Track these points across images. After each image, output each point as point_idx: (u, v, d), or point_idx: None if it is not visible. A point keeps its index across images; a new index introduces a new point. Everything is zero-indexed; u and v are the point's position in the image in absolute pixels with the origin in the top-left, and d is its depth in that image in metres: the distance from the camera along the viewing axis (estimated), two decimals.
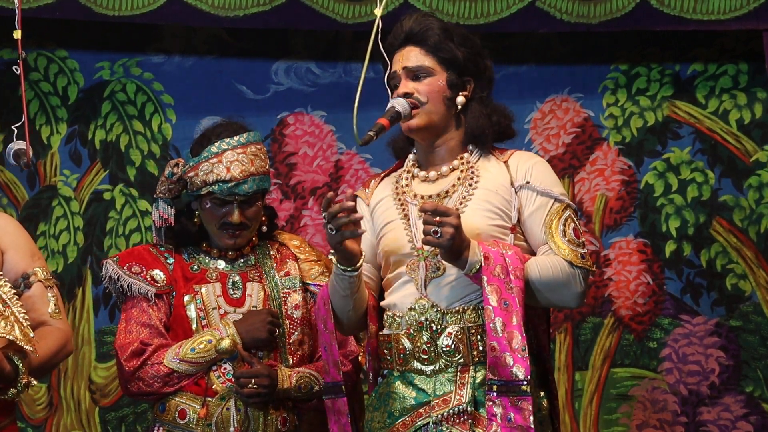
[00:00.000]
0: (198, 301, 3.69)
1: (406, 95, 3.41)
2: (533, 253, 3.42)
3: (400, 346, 3.38)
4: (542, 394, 3.41)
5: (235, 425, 3.61)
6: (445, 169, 3.47)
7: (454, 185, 3.43)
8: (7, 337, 3.16)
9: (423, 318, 3.36)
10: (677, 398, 4.77)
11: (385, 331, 3.44)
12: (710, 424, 4.75)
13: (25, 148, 3.40)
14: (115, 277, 3.71)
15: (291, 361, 3.70)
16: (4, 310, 3.20)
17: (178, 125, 4.83)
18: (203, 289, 3.71)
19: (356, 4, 4.48)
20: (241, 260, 3.78)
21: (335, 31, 4.75)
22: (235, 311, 3.69)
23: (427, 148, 3.49)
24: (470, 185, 3.42)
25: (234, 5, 4.47)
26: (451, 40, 3.47)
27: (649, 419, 4.78)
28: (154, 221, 3.80)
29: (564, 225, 3.41)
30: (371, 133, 3.37)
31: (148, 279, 3.70)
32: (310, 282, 3.78)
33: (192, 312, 3.68)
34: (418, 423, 3.34)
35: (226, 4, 4.46)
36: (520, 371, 3.22)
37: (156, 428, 3.69)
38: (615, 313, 4.81)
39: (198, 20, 4.49)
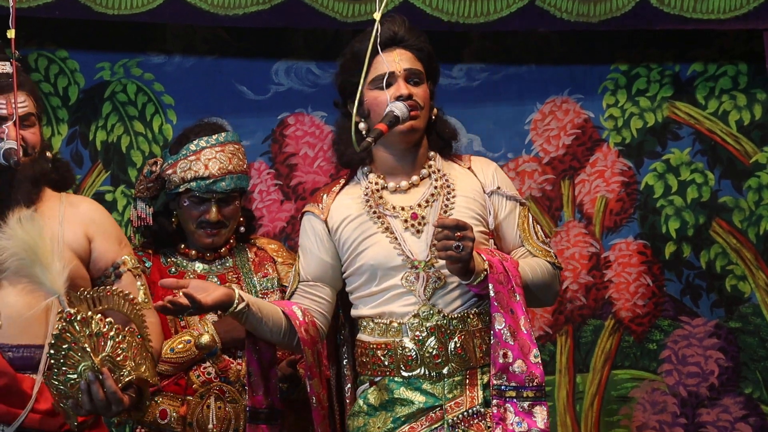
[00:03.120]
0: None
1: (410, 97, 3.41)
2: None
3: (407, 353, 3.39)
4: None
5: (214, 422, 3.63)
6: (415, 178, 3.48)
7: (432, 194, 3.45)
8: (134, 379, 3.19)
9: (429, 324, 3.38)
10: (677, 400, 4.77)
11: (377, 339, 3.43)
12: (709, 426, 4.75)
13: (15, 147, 3.40)
14: None
15: None
16: (138, 343, 3.22)
17: (178, 126, 4.82)
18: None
19: (356, 2, 4.48)
20: (219, 262, 3.80)
21: (335, 31, 4.75)
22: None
23: (398, 155, 3.48)
24: (448, 193, 3.45)
25: (233, 4, 4.47)
26: (431, 49, 3.51)
27: (649, 421, 4.78)
28: (131, 221, 3.83)
29: (534, 227, 3.51)
30: (369, 139, 3.36)
31: None
32: (286, 284, 3.78)
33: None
34: (433, 427, 3.37)
35: (225, 2, 4.46)
36: (534, 377, 3.27)
37: (137, 430, 3.72)
38: (615, 315, 4.81)
39: (197, 19, 4.49)
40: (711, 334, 4.78)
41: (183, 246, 3.80)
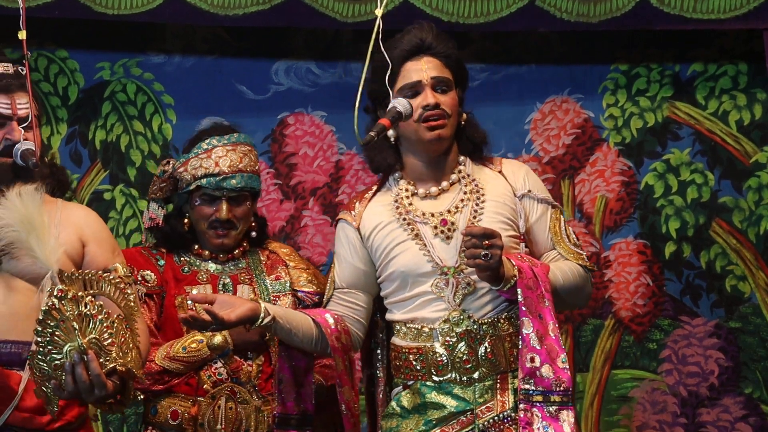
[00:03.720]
0: (189, 302, 3.70)
1: (436, 106, 3.42)
2: (538, 259, 3.48)
3: (438, 358, 3.42)
4: None
5: (223, 424, 3.64)
6: (445, 183, 3.50)
7: (462, 200, 3.47)
8: (117, 367, 3.15)
9: (460, 329, 3.41)
10: (677, 399, 4.77)
11: (409, 343, 3.47)
12: (709, 426, 4.75)
13: (33, 148, 3.39)
14: None
15: None
16: (125, 332, 3.19)
17: (178, 125, 4.83)
18: (194, 291, 3.73)
19: (356, 2, 4.48)
20: (232, 263, 3.80)
21: (335, 30, 4.75)
22: None
23: (427, 162, 3.50)
24: (478, 198, 3.47)
25: (233, 4, 4.47)
26: (459, 56, 3.53)
27: (649, 420, 4.78)
28: (143, 222, 3.85)
29: (566, 230, 3.51)
30: (372, 134, 3.37)
31: (139, 279, 3.73)
32: (298, 289, 3.80)
33: (183, 313, 3.68)
34: (464, 431, 3.40)
35: (225, 2, 4.46)
36: (561, 382, 3.29)
37: (147, 431, 3.73)
38: (615, 315, 4.81)
39: (197, 19, 4.49)
40: (711, 333, 4.78)
41: (197, 247, 3.81)
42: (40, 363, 3.16)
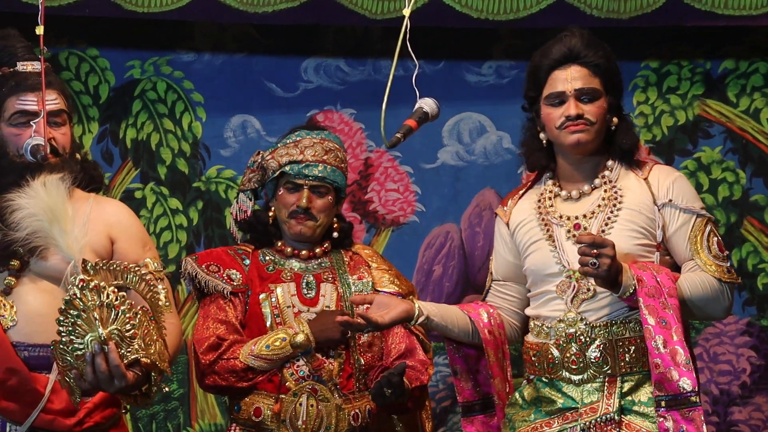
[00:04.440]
0: (273, 300, 3.78)
1: (578, 117, 3.48)
2: (678, 269, 3.53)
3: (549, 356, 3.53)
4: None
5: (304, 419, 3.70)
6: (586, 187, 3.58)
7: (599, 205, 3.54)
8: (140, 359, 3.17)
9: (572, 330, 3.50)
10: (708, 398, 4.74)
11: (532, 339, 3.60)
12: (741, 424, 4.73)
13: (42, 143, 3.41)
14: (193, 275, 3.81)
15: (362, 361, 3.80)
16: (149, 325, 3.20)
17: (208, 123, 4.85)
18: (278, 289, 3.80)
19: (385, 0, 4.48)
20: (315, 262, 3.87)
21: (364, 28, 4.75)
22: (308, 310, 3.80)
23: (575, 164, 3.58)
24: (614, 206, 3.54)
25: (263, 1, 4.47)
26: (613, 64, 3.59)
27: None
28: (232, 213, 3.92)
29: (708, 240, 3.54)
30: (399, 136, 3.41)
31: (225, 277, 3.80)
32: (380, 288, 3.87)
33: (267, 310, 3.78)
34: (564, 426, 3.50)
35: (255, 0, 4.47)
36: (687, 383, 3.35)
37: (232, 428, 3.80)
38: None
39: (227, 16, 4.50)
40: (743, 332, 4.76)
41: (279, 243, 3.86)
42: (63, 352, 3.17)
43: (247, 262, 3.85)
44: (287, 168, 3.79)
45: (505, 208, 3.70)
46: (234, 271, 3.82)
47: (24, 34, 3.66)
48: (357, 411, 3.77)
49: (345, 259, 3.91)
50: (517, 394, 3.63)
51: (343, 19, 4.53)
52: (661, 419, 3.37)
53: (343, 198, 3.96)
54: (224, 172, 4.86)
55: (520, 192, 3.71)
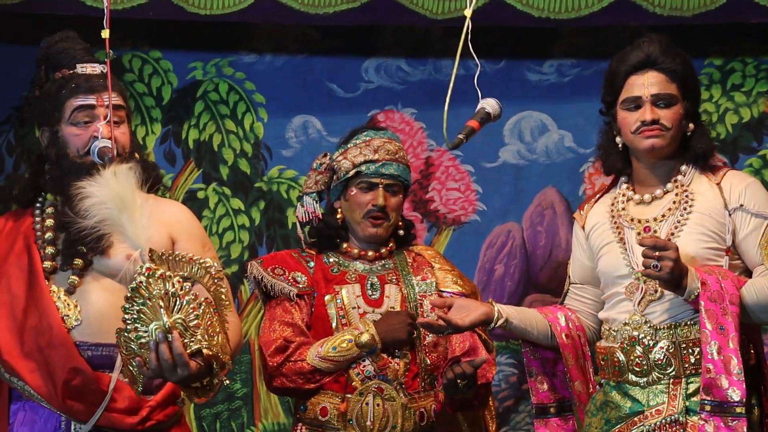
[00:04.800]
0: (338, 301, 3.81)
1: (653, 122, 3.52)
2: (750, 273, 3.54)
3: (615, 359, 3.57)
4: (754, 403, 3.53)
5: (372, 419, 3.71)
6: (659, 191, 3.62)
7: (669, 209, 3.58)
8: (203, 350, 3.19)
9: (636, 333, 3.53)
10: None
11: (603, 343, 3.65)
12: None
13: (109, 145, 3.45)
14: (259, 278, 3.85)
15: (428, 361, 3.81)
16: (213, 316, 3.23)
17: (269, 124, 4.87)
18: (343, 290, 3.83)
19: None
20: (380, 263, 3.89)
21: (425, 28, 4.75)
22: (373, 311, 3.82)
23: (650, 168, 3.62)
24: (685, 209, 3.56)
25: (324, 3, 4.48)
26: (690, 69, 3.63)
27: None
28: (297, 217, 3.94)
29: None
30: (461, 137, 3.43)
31: (291, 280, 3.83)
32: (444, 289, 3.89)
33: (332, 311, 3.81)
34: (633, 431, 3.52)
35: (315, 1, 4.48)
36: (735, 394, 3.36)
37: (298, 427, 3.82)
38: None
39: (288, 18, 4.51)
40: None
41: (345, 245, 3.89)
42: (127, 341, 3.19)
43: (312, 264, 3.87)
44: (363, 167, 3.81)
45: (582, 212, 3.76)
46: (299, 273, 3.85)
47: (89, 37, 3.70)
48: (422, 410, 3.78)
49: (408, 260, 3.93)
50: (591, 402, 3.67)
51: (404, 19, 4.53)
52: (702, 422, 3.37)
53: (408, 194, 3.98)
54: (286, 172, 4.88)
55: (597, 196, 3.76)
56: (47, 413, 3.44)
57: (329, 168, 3.88)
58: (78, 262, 3.48)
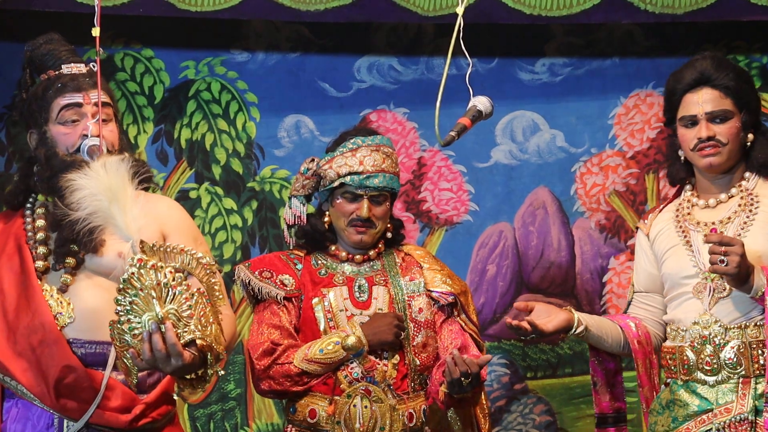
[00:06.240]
0: (326, 304, 3.81)
1: (709, 139, 3.62)
2: None
3: (684, 358, 3.63)
4: None
5: (361, 422, 3.73)
6: (723, 196, 3.70)
7: (735, 211, 3.65)
8: (197, 340, 3.17)
9: (707, 332, 3.59)
10: None
11: (669, 343, 3.71)
12: None
13: (98, 144, 3.45)
14: (247, 281, 3.85)
15: (418, 361, 3.81)
16: (206, 307, 3.21)
17: (262, 123, 4.87)
18: (331, 293, 3.83)
19: None
20: (368, 265, 3.89)
21: (417, 27, 4.75)
22: (361, 313, 3.82)
23: (713, 177, 3.70)
24: (750, 211, 3.64)
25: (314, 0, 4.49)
26: (745, 82, 3.69)
27: None
28: (285, 219, 3.92)
29: None
30: (453, 134, 3.42)
31: (278, 283, 3.83)
32: (433, 289, 3.89)
33: (320, 314, 3.81)
34: (701, 429, 3.59)
35: None
36: None
37: (288, 429, 3.83)
38: None
39: (279, 14, 4.50)
40: None
41: (333, 248, 3.89)
42: (120, 332, 3.18)
43: (300, 266, 3.87)
44: (347, 179, 3.80)
45: (646, 221, 3.84)
46: (287, 276, 3.85)
47: (80, 34, 3.69)
48: (412, 411, 3.78)
49: (397, 260, 3.93)
50: (656, 400, 3.72)
51: (395, 17, 4.52)
52: (767, 415, 3.44)
53: (396, 197, 3.97)
54: (278, 172, 4.87)
55: (661, 206, 3.84)
56: (40, 410, 3.44)
57: (316, 174, 3.87)
58: (70, 261, 3.47)
